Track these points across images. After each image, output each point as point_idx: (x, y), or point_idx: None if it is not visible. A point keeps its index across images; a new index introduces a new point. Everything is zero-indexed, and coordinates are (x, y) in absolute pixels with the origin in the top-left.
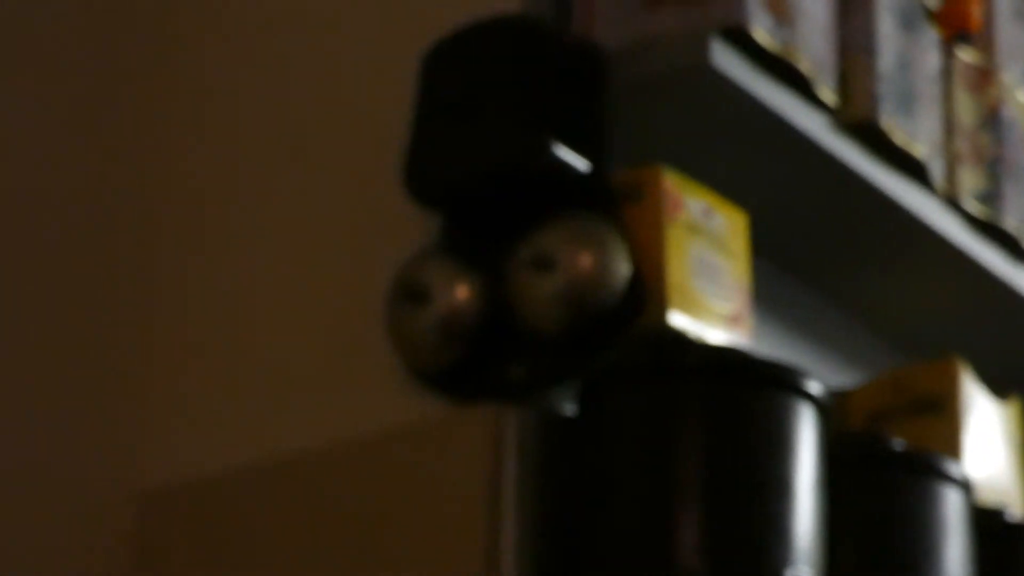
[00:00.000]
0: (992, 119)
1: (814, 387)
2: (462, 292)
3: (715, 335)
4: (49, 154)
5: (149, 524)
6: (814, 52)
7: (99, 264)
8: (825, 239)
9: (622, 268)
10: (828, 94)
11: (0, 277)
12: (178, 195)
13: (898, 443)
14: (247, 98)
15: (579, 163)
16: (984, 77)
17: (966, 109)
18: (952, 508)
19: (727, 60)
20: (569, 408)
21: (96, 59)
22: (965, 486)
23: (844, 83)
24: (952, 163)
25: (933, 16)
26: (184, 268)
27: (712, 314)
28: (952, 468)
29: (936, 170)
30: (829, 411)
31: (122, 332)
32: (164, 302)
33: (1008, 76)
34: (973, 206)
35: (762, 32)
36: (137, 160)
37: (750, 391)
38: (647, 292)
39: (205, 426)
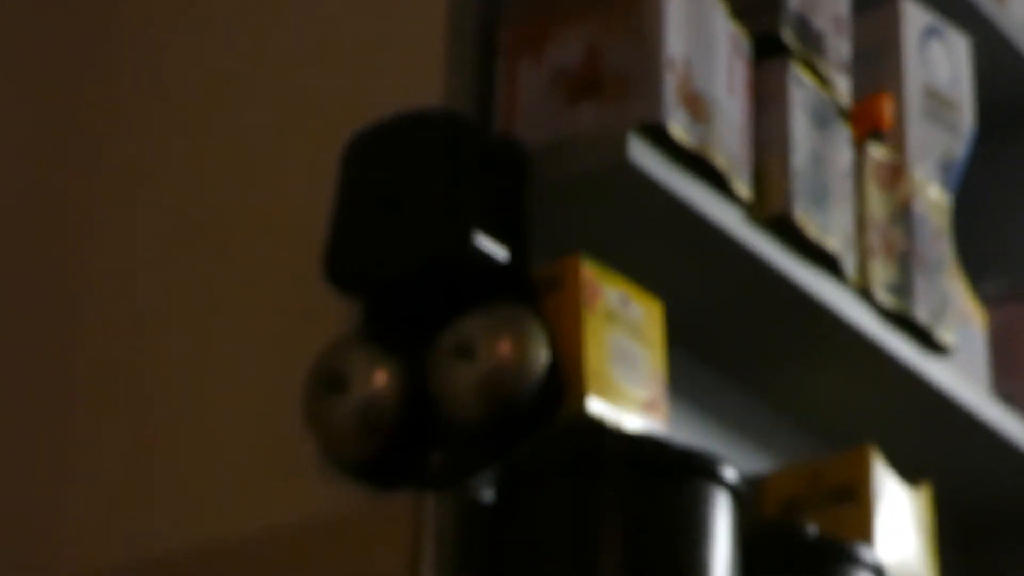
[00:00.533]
0: (903, 214)
1: (729, 474)
2: (381, 380)
3: (632, 421)
4: None
5: None
6: (729, 149)
7: (21, 345)
8: (740, 329)
9: (542, 356)
10: (743, 189)
11: None
12: (103, 276)
13: (812, 529)
14: (170, 185)
15: (500, 254)
16: (895, 173)
17: (878, 204)
18: None
19: (645, 157)
20: (489, 496)
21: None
22: (878, 572)
23: (759, 179)
24: (864, 256)
25: (846, 114)
26: (107, 353)
27: (629, 400)
28: (865, 554)
29: (849, 263)
30: (744, 498)
31: (43, 418)
32: (87, 389)
33: (919, 172)
34: (885, 298)
35: (679, 129)
36: (67, 237)
37: (666, 479)
38: (566, 379)
39: (125, 514)
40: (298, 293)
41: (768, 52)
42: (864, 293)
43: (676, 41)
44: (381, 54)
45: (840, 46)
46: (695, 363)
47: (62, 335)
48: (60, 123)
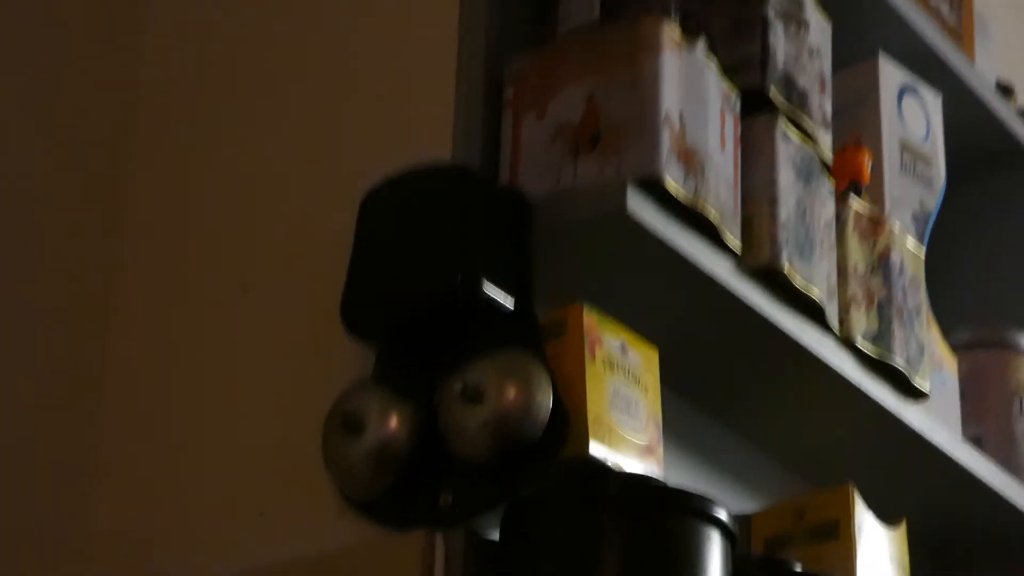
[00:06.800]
0: (882, 264)
1: (722, 514)
2: (394, 423)
3: (631, 464)
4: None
5: None
6: (721, 200)
7: (53, 387)
8: (730, 373)
9: (546, 401)
10: (733, 239)
11: None
12: (130, 316)
13: (796, 565)
14: (199, 237)
15: (506, 301)
16: (874, 225)
17: (858, 255)
18: None
19: (642, 208)
20: (495, 534)
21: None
22: None
23: (748, 229)
24: (846, 305)
25: (828, 168)
26: (133, 388)
27: (628, 445)
28: None
29: (831, 311)
30: (735, 536)
31: (71, 450)
32: (115, 420)
33: (895, 224)
34: (865, 345)
35: (674, 182)
36: (95, 277)
37: (663, 518)
38: (569, 423)
39: (150, 544)
40: (318, 338)
41: (756, 108)
42: (846, 340)
43: (671, 98)
44: (396, 114)
45: (823, 103)
46: (686, 405)
47: (89, 370)
48: (88, 174)
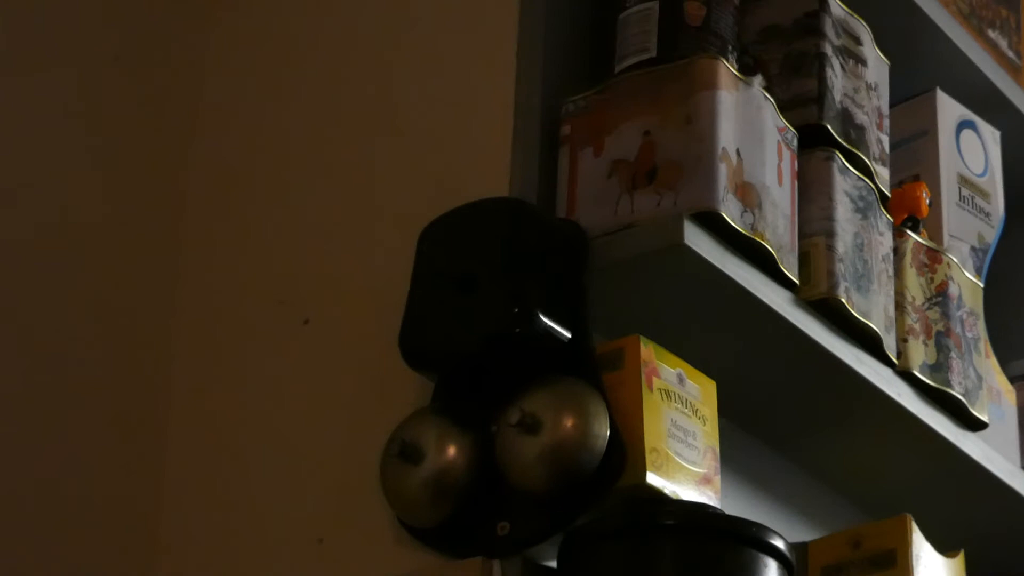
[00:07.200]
0: (940, 296)
1: (779, 542)
2: (452, 452)
3: (688, 493)
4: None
5: None
6: (778, 234)
7: (114, 419)
8: (787, 404)
9: (603, 431)
10: (791, 272)
11: None
12: (189, 350)
13: None
14: (261, 269)
15: (563, 331)
16: (932, 258)
17: (916, 287)
18: None
19: (699, 241)
20: (552, 563)
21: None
22: None
23: (805, 262)
24: (904, 336)
25: (886, 202)
26: (196, 423)
27: (685, 474)
28: None
29: (889, 342)
30: (792, 565)
31: (134, 479)
32: (177, 452)
33: (953, 257)
34: (923, 376)
35: (731, 216)
36: (152, 312)
37: (720, 547)
38: (626, 453)
39: (211, 570)
40: (377, 369)
41: (813, 142)
42: (904, 371)
43: (728, 134)
44: (455, 151)
45: (881, 139)
46: (743, 435)
47: (151, 401)
48: (145, 196)
